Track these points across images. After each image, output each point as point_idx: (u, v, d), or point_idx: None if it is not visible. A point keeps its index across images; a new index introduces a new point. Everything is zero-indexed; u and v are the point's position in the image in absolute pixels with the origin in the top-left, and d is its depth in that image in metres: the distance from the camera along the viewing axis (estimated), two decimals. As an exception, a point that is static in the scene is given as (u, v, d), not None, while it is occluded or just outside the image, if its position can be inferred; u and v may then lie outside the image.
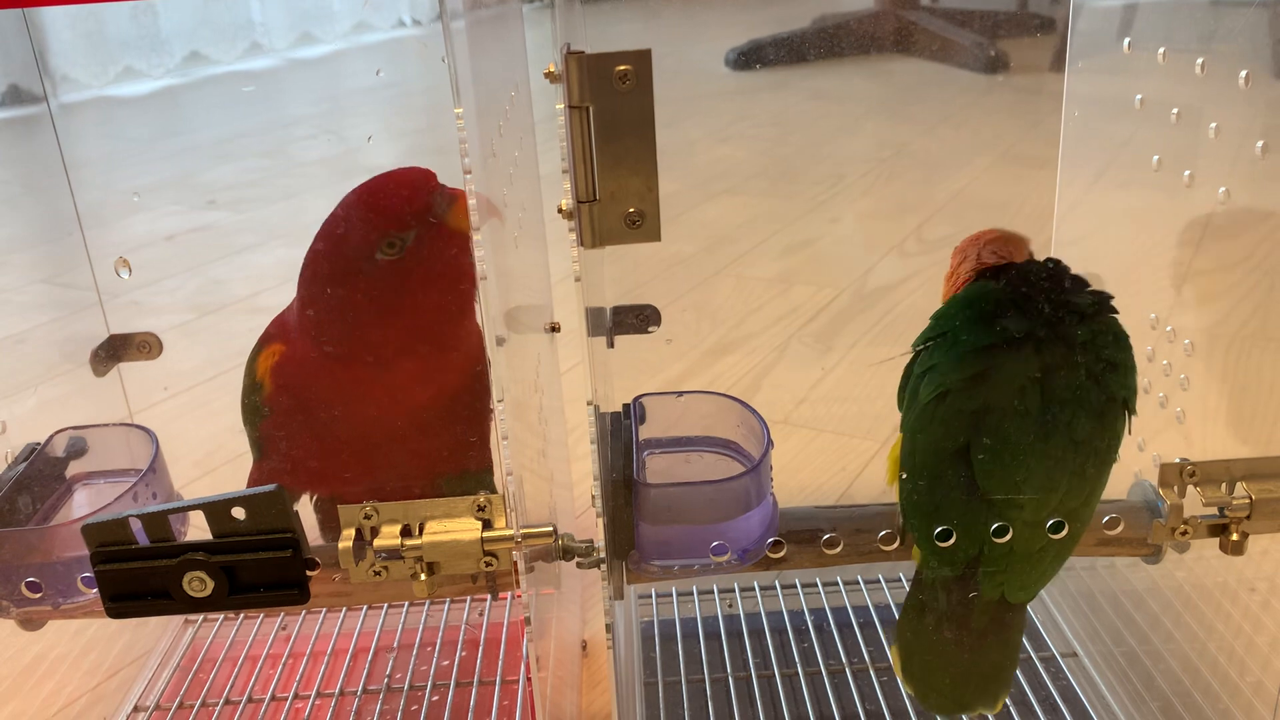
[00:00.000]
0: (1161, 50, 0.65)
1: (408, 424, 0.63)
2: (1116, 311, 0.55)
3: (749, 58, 2.00)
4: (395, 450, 0.63)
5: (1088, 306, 0.53)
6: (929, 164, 1.65)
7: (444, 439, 0.63)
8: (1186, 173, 0.63)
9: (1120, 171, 0.72)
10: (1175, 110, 0.64)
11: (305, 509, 0.66)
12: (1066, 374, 0.52)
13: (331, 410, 0.62)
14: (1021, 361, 0.52)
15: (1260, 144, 0.56)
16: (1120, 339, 0.54)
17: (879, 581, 0.84)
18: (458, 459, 0.64)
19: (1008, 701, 0.60)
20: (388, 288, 0.59)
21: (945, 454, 0.53)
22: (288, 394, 0.62)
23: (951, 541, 0.53)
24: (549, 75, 0.44)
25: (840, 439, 1.04)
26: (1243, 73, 0.56)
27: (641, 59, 0.43)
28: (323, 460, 0.64)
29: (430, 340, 0.61)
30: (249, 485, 0.66)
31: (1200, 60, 0.60)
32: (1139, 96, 0.67)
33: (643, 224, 0.46)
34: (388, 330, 0.60)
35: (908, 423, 0.55)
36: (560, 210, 0.47)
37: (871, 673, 0.74)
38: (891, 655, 0.59)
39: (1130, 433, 0.55)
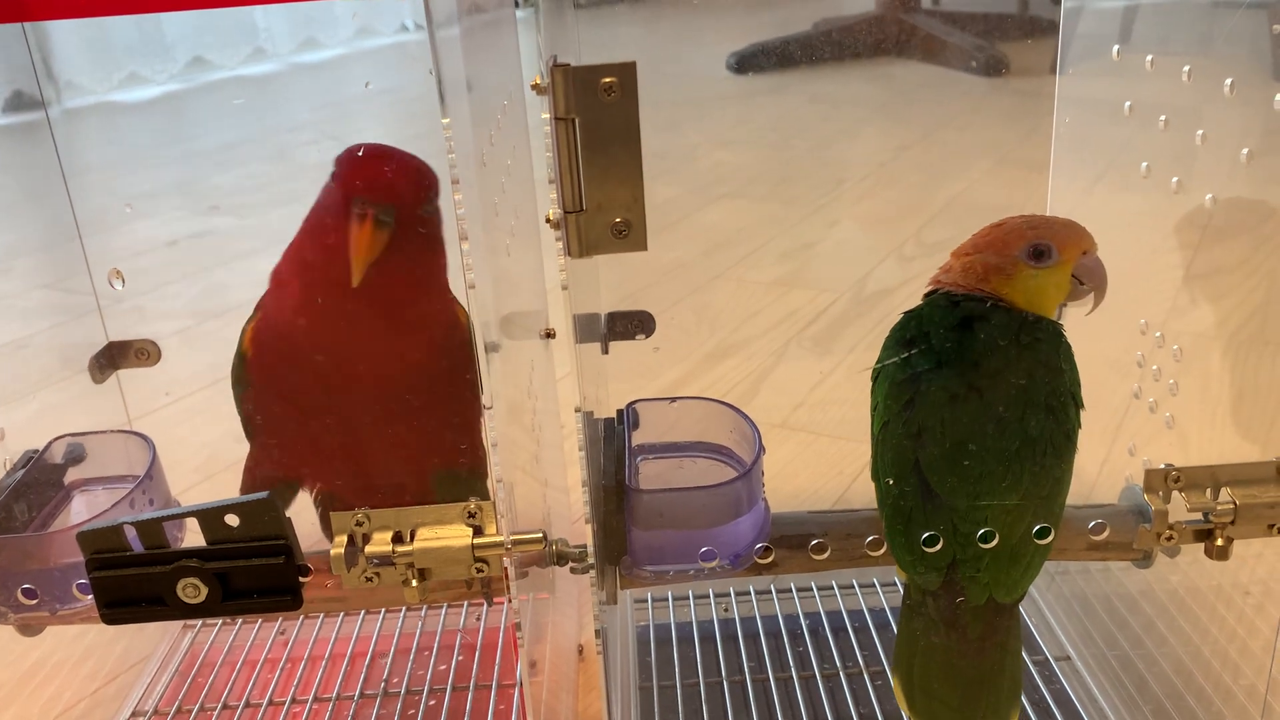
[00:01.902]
0: (1150, 58, 0.65)
1: (381, 403, 0.63)
2: (1054, 322, 0.57)
3: (749, 61, 2.01)
4: (372, 434, 0.64)
5: (1001, 320, 0.55)
6: (928, 167, 1.65)
7: (422, 427, 0.64)
8: (1174, 179, 0.64)
9: (1111, 178, 0.72)
10: (1163, 118, 0.64)
11: (299, 514, 0.66)
12: (1002, 377, 0.54)
13: (305, 375, 0.63)
14: (945, 378, 0.55)
15: (1245, 151, 0.56)
16: (1055, 343, 0.56)
17: (873, 585, 0.84)
18: (439, 452, 0.64)
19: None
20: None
21: (903, 471, 0.55)
22: (265, 361, 0.63)
23: (925, 549, 0.55)
24: (536, 87, 0.45)
25: (838, 442, 1.04)
26: (1228, 81, 0.56)
27: (626, 71, 0.44)
28: (300, 439, 0.64)
29: (397, 310, 0.61)
30: (244, 472, 0.66)
31: (1187, 68, 0.61)
32: (1128, 104, 0.68)
33: (629, 234, 0.47)
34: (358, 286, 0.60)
35: (872, 448, 0.58)
36: (548, 220, 0.47)
37: (865, 676, 0.75)
38: (894, 686, 0.59)
39: (1080, 426, 0.56)
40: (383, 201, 0.58)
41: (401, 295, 0.61)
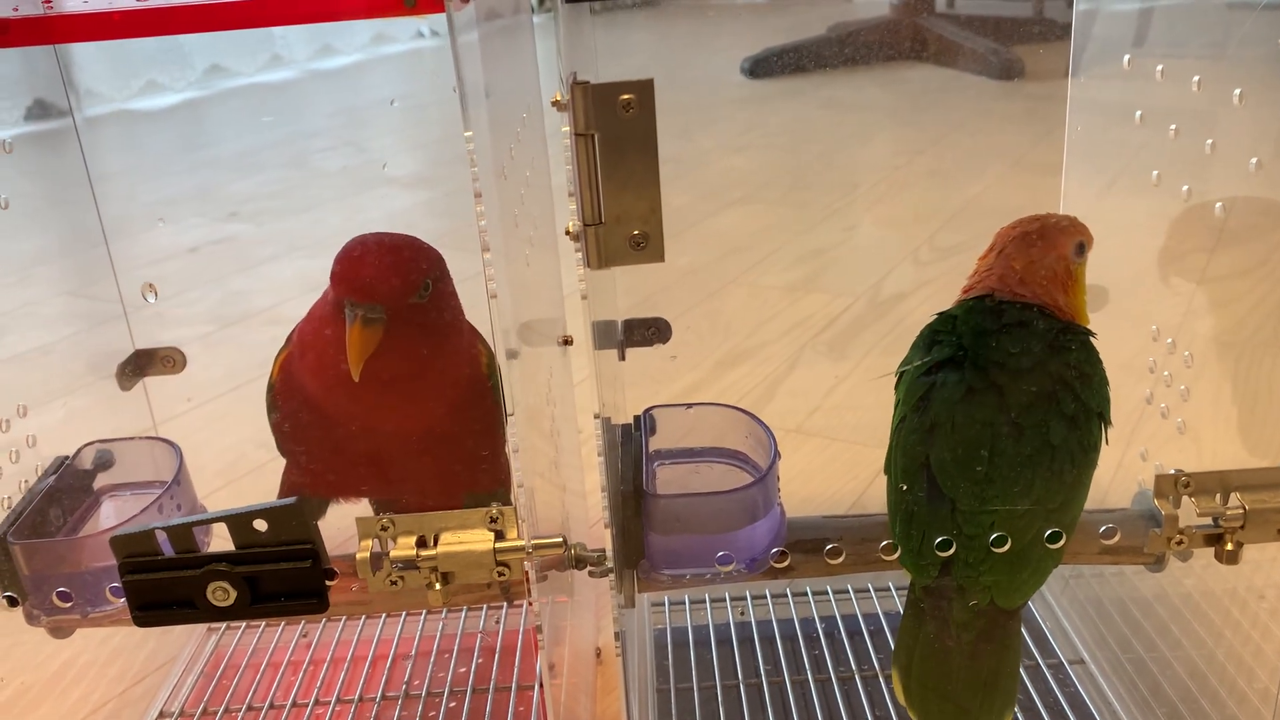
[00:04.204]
0: (1160, 68, 0.66)
1: (405, 444, 0.65)
2: (1091, 333, 0.57)
3: (763, 66, 2.01)
4: (397, 466, 0.65)
5: (1042, 328, 0.55)
6: (942, 171, 1.66)
7: (448, 460, 0.65)
8: (1185, 187, 0.64)
9: (1122, 184, 0.73)
10: (1173, 126, 0.65)
11: (327, 518, 0.67)
12: (1027, 381, 0.54)
13: (327, 421, 0.64)
14: (960, 375, 0.55)
15: (1254, 160, 0.57)
16: (1087, 352, 0.56)
17: (888, 589, 0.84)
18: (467, 480, 0.66)
19: (1015, 709, 0.62)
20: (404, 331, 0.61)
21: (913, 467, 0.56)
22: (287, 394, 0.65)
23: (924, 545, 0.55)
24: (556, 104, 0.46)
25: (853, 447, 1.05)
26: (1237, 91, 0.57)
27: (644, 88, 0.45)
28: (327, 465, 0.66)
29: (413, 377, 0.63)
30: (282, 480, 0.68)
31: (1197, 78, 0.61)
32: (1139, 112, 0.68)
33: (647, 246, 0.48)
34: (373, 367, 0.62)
35: (889, 444, 0.59)
36: (568, 232, 0.48)
37: (880, 680, 0.75)
38: (894, 680, 0.60)
39: (1108, 443, 0.56)
40: (369, 302, 0.60)
41: (415, 365, 0.63)
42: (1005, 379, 0.55)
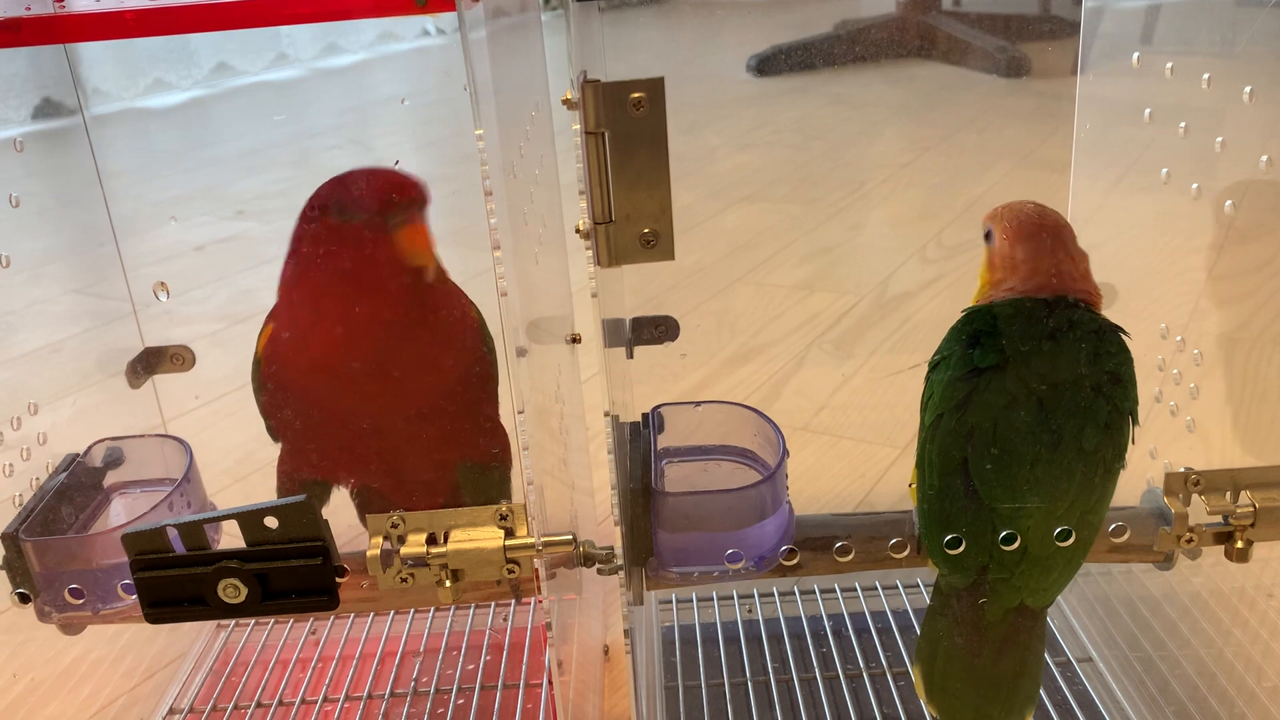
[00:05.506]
0: (1169, 65, 0.66)
1: (398, 404, 0.65)
2: (1126, 333, 0.56)
3: (770, 63, 2.01)
4: (391, 433, 0.65)
5: (1084, 329, 0.55)
6: (950, 169, 1.65)
7: (441, 422, 0.65)
8: (1194, 185, 0.64)
9: (1131, 181, 0.73)
10: (1183, 124, 0.65)
11: (335, 516, 0.67)
12: (1068, 388, 0.54)
13: (320, 382, 0.65)
14: (1004, 382, 0.54)
15: (1264, 158, 0.57)
16: (1125, 354, 0.56)
17: (896, 587, 0.84)
18: (460, 445, 0.66)
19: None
20: (334, 248, 0.62)
21: (949, 469, 0.55)
22: (277, 370, 0.65)
23: (961, 549, 0.55)
24: (566, 102, 0.46)
25: (860, 445, 1.05)
26: (1247, 88, 0.57)
27: (655, 86, 0.45)
28: (321, 440, 0.66)
29: (412, 313, 0.64)
30: (277, 470, 0.68)
31: (1206, 75, 0.61)
32: (1148, 110, 0.68)
33: (657, 244, 0.48)
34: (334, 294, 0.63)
35: (919, 440, 0.57)
36: (578, 230, 0.48)
37: (889, 677, 0.75)
38: (914, 676, 0.60)
39: (1135, 442, 0.56)
40: (425, 203, 0.60)
41: (416, 299, 0.63)
42: (1049, 386, 0.54)
